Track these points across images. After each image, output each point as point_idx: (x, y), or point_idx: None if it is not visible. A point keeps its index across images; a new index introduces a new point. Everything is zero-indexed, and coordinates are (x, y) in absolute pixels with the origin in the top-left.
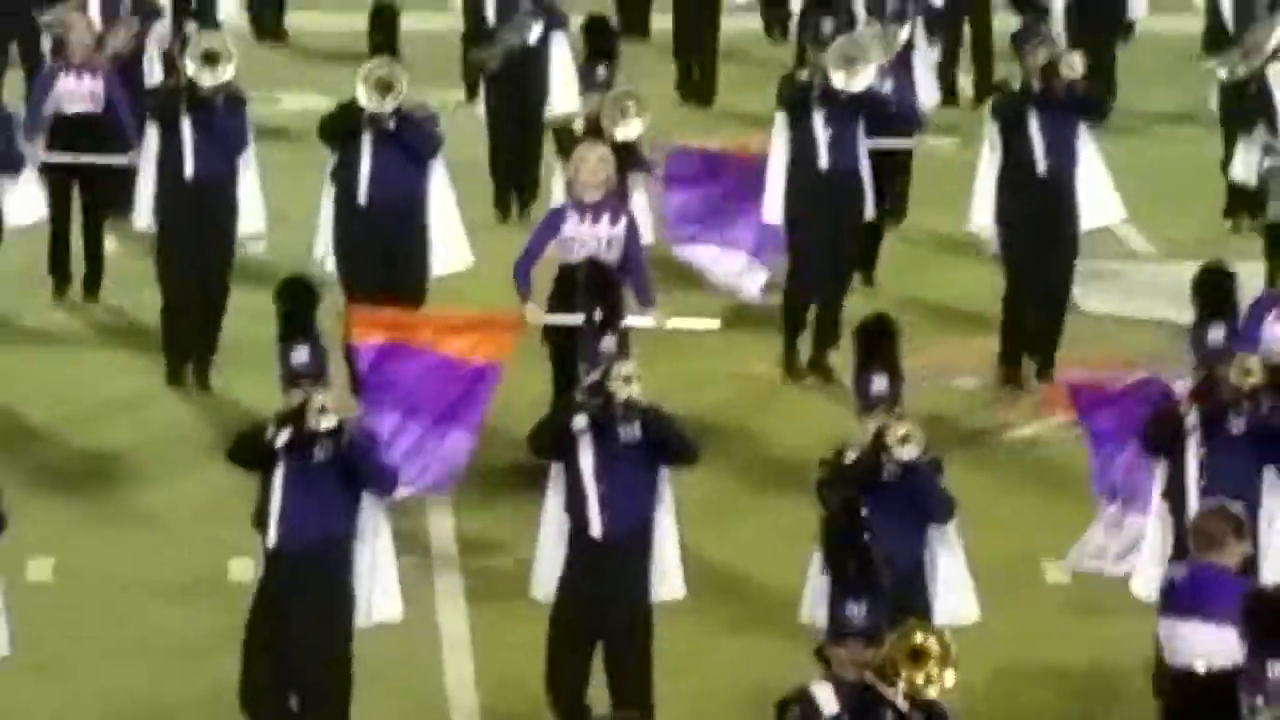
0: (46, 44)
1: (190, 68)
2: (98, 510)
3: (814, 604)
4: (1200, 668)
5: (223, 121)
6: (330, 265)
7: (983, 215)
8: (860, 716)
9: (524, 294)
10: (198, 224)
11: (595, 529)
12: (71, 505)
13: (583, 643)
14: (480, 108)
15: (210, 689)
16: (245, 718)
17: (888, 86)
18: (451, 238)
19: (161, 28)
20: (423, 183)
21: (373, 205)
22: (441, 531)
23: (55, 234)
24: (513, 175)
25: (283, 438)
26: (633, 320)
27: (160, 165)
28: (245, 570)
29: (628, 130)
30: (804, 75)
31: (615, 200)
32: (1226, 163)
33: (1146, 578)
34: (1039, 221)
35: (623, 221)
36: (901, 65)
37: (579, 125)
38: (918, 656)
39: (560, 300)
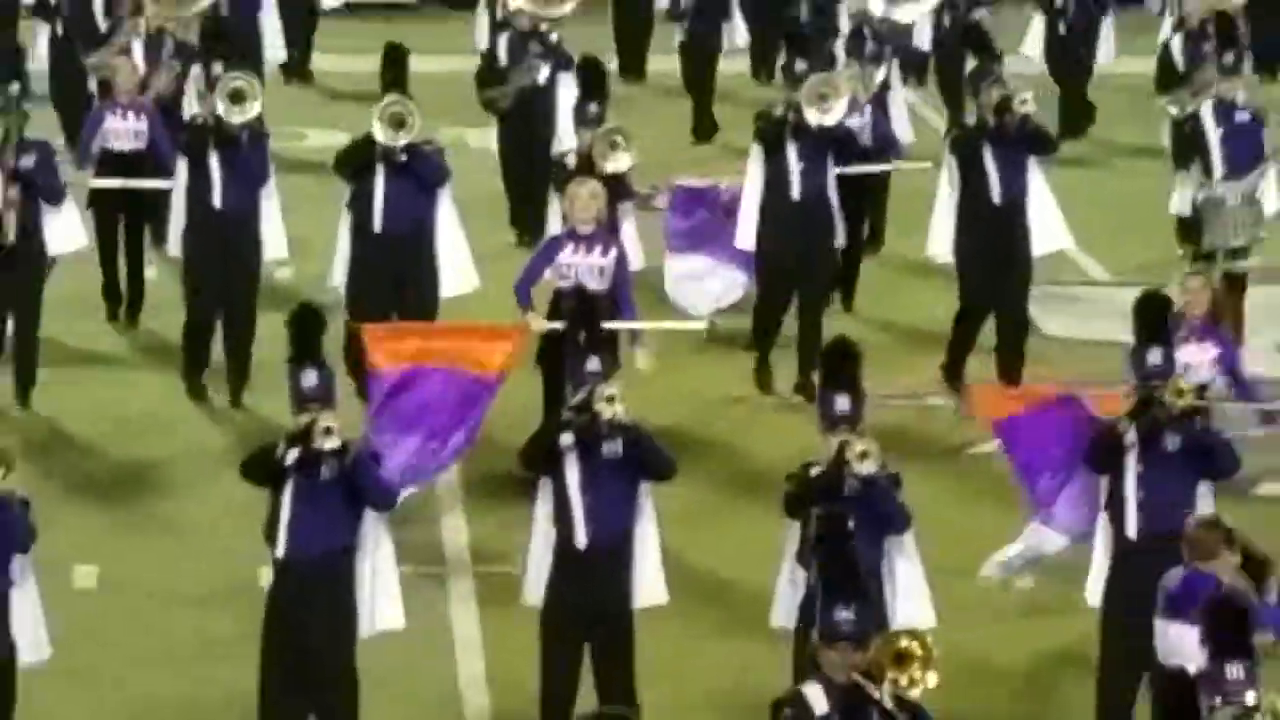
0: (93, 85)
1: (219, 106)
2: (130, 518)
3: (784, 610)
4: (1191, 669)
5: (247, 155)
6: (344, 288)
7: (939, 244)
8: (849, 716)
9: (525, 307)
10: (222, 254)
11: (580, 539)
12: (107, 514)
13: (571, 645)
14: (491, 142)
15: (236, 695)
16: None
17: (866, 123)
18: (459, 261)
19: (198, 70)
20: (432, 211)
21: (386, 232)
22: (454, 540)
23: (104, 261)
24: (525, 204)
25: (292, 456)
26: (623, 324)
27: (189, 196)
28: None
29: (617, 163)
30: (779, 111)
31: (606, 233)
32: None
33: (1094, 583)
34: (995, 248)
35: (613, 253)
36: (878, 104)
37: (571, 160)
38: (902, 659)
39: (552, 320)
